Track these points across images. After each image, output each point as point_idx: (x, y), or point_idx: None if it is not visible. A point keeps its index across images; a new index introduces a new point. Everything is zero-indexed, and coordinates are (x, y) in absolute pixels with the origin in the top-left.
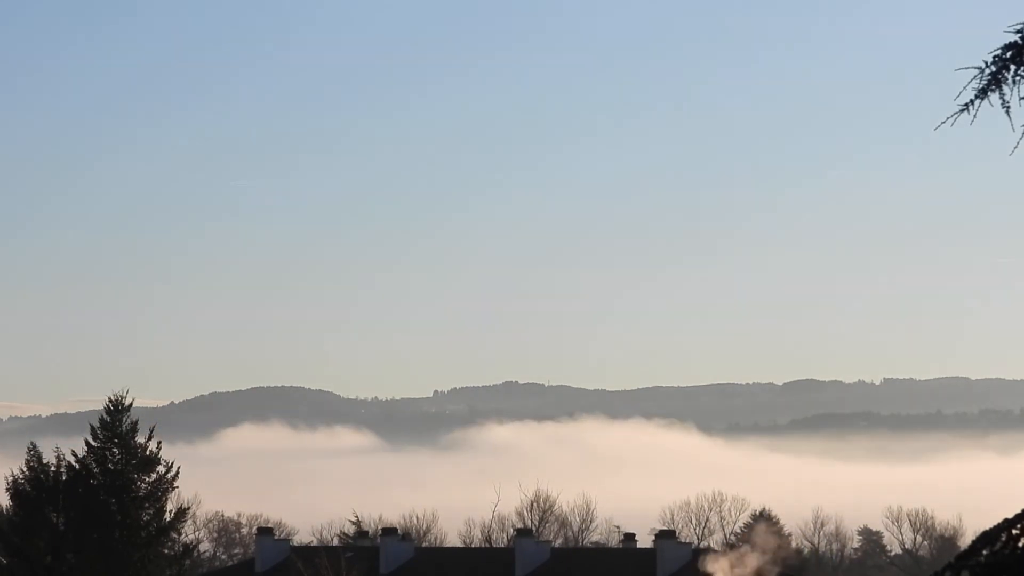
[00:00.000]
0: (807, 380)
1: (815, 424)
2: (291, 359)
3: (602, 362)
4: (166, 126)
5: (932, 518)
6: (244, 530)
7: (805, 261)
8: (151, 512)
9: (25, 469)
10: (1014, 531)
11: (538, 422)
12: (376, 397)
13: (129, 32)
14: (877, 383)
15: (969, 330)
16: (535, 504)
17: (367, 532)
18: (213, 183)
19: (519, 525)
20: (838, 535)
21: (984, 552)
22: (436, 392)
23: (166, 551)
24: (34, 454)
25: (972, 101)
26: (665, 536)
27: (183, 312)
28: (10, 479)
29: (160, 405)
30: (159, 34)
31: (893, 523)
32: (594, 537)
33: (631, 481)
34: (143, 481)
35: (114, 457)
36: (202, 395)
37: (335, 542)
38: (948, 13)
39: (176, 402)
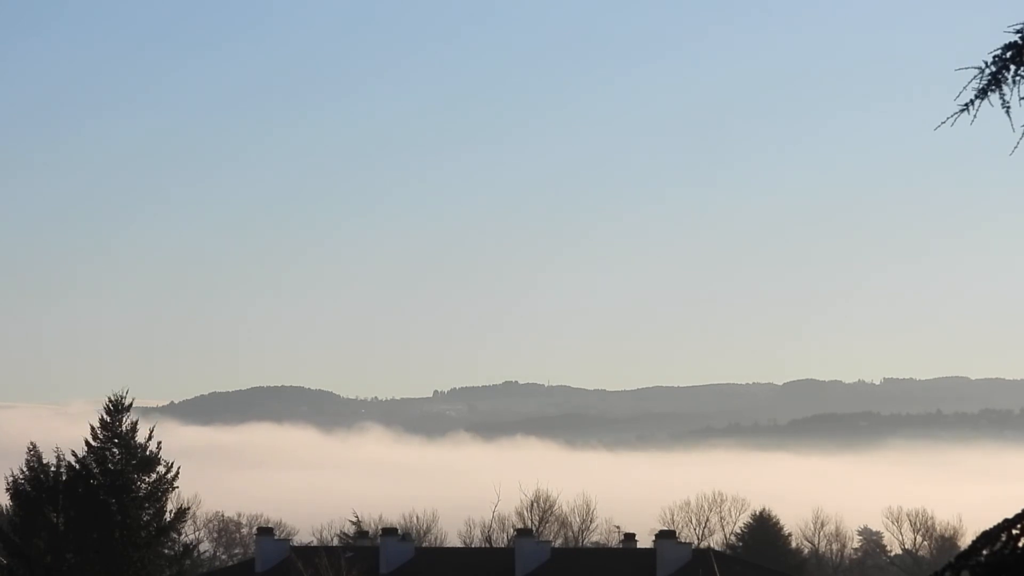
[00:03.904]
0: (807, 380)
1: (815, 424)
2: (291, 359)
3: (602, 362)
4: (167, 127)
5: (932, 518)
6: (244, 530)
7: (805, 261)
8: (151, 512)
9: (25, 469)
10: (1014, 531)
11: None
12: (376, 397)
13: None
14: (877, 383)
15: (969, 330)
16: (535, 504)
17: (367, 532)
18: (213, 183)
19: (519, 525)
20: (838, 535)
21: (984, 552)
22: (436, 392)
23: (166, 551)
24: (34, 454)
25: (972, 101)
26: (665, 536)
27: (183, 312)
28: (10, 479)
29: (160, 405)
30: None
31: (893, 523)
32: (594, 537)
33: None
34: (143, 481)
35: (114, 457)
36: (202, 395)
37: (335, 542)
38: (948, 13)
39: (176, 402)
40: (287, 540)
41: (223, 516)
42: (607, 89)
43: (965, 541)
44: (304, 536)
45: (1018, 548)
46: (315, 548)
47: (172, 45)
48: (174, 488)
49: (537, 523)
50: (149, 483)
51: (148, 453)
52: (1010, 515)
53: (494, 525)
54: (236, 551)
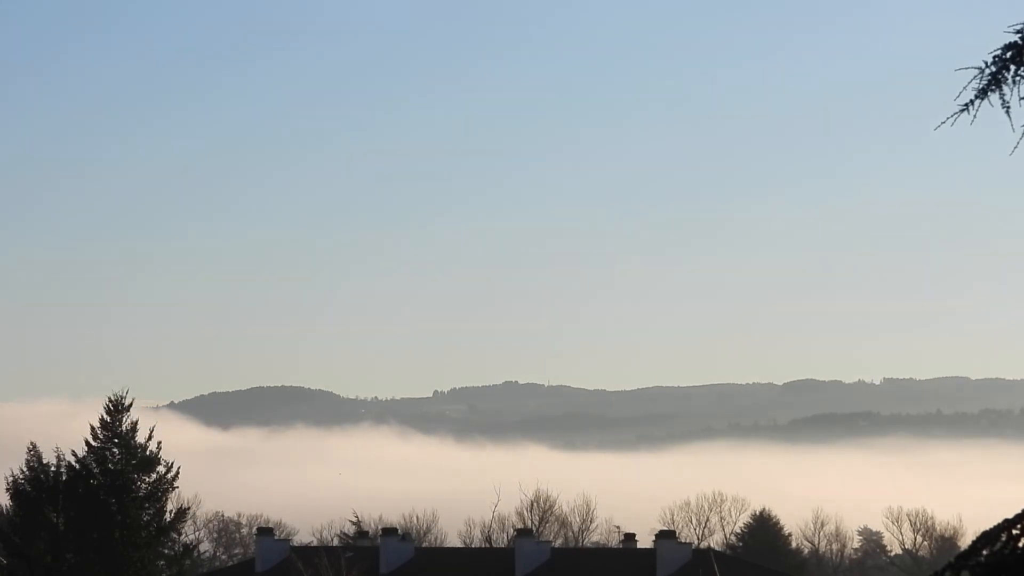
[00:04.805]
0: (807, 380)
1: (815, 424)
2: (291, 359)
3: (602, 362)
4: (167, 127)
5: (932, 518)
6: (244, 530)
7: (805, 261)
8: (151, 512)
9: (25, 469)
10: (1014, 531)
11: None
12: (376, 397)
13: (124, 34)
14: (877, 383)
15: (969, 330)
16: (535, 504)
17: (367, 532)
18: (214, 184)
19: (519, 525)
20: (838, 535)
21: (984, 552)
22: (436, 392)
23: (166, 551)
24: (34, 454)
25: (972, 101)
26: (665, 536)
27: (183, 312)
28: (10, 479)
29: (160, 405)
30: (154, 38)
31: (893, 523)
32: (594, 537)
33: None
34: (143, 481)
35: (114, 457)
36: (202, 395)
37: (335, 542)
38: (948, 13)
39: (176, 402)
40: (287, 540)
41: (223, 516)
42: (606, 96)
43: (965, 541)
44: (304, 536)
45: (1018, 548)
46: (315, 548)
47: (194, 56)
48: (174, 488)
49: (537, 523)
50: (149, 483)
51: (148, 453)
52: (1010, 515)
53: (494, 525)
54: (236, 551)
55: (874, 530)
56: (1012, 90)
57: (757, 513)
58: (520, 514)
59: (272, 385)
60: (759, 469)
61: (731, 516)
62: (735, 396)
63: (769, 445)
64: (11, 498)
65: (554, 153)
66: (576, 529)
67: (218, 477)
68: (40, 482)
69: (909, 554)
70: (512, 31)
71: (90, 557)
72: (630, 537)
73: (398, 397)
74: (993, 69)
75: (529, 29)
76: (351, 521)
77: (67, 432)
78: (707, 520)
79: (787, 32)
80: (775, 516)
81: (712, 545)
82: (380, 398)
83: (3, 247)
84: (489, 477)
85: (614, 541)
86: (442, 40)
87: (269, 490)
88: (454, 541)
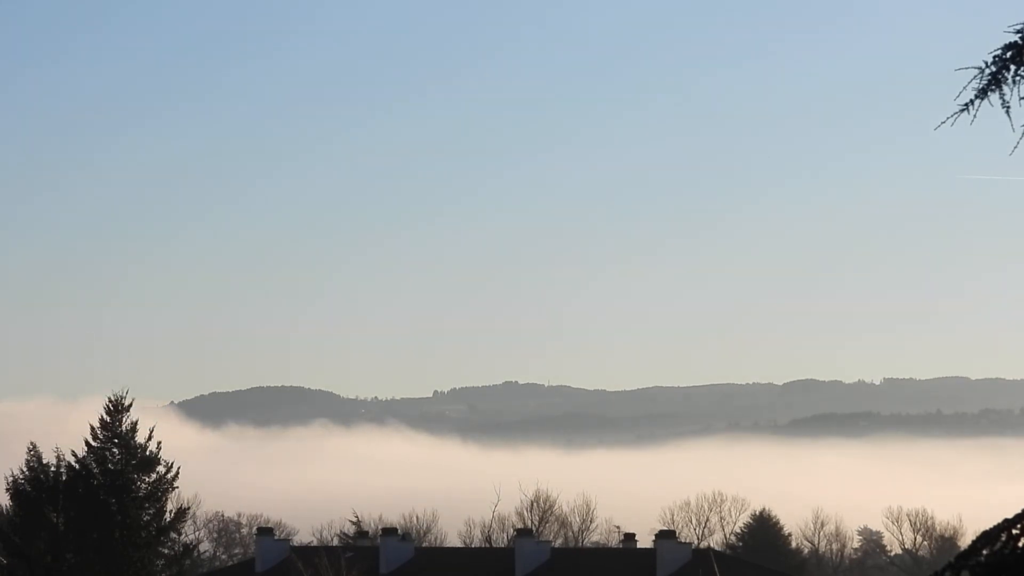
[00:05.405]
0: (807, 380)
1: (815, 424)
2: (291, 359)
3: (602, 362)
4: (166, 127)
5: (932, 518)
6: (244, 530)
7: (805, 261)
8: (151, 512)
9: (25, 469)
10: (1014, 531)
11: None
12: (376, 397)
13: (123, 33)
14: (877, 383)
15: (969, 330)
16: (535, 504)
17: (367, 532)
18: (213, 183)
19: (519, 525)
20: (838, 535)
21: (984, 552)
22: (436, 392)
23: (166, 551)
24: (34, 454)
25: (972, 101)
26: (665, 536)
27: (183, 312)
28: (10, 479)
29: (160, 405)
30: (150, 37)
31: (893, 523)
32: (594, 537)
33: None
34: (143, 481)
35: (114, 457)
36: (202, 395)
37: (335, 542)
38: (948, 13)
39: (176, 402)
40: (287, 540)
41: (223, 516)
42: (607, 95)
43: (965, 541)
44: (304, 536)
45: (1018, 548)
46: (315, 548)
47: (192, 56)
48: (174, 488)
49: (537, 523)
50: (149, 483)
51: (148, 453)
52: (1010, 515)
53: (494, 525)
54: (236, 551)
55: (874, 530)
56: (1012, 90)
57: (757, 513)
58: (520, 514)
59: (272, 385)
60: (759, 469)
61: (731, 516)
62: (735, 396)
63: (769, 445)
64: (11, 498)
65: (552, 152)
66: (576, 529)
67: (218, 477)
68: (40, 482)
69: (909, 554)
70: (509, 30)
71: (90, 557)
72: (630, 537)
73: (398, 397)
74: (993, 69)
75: (527, 28)
76: (351, 521)
77: (68, 432)
78: (707, 520)
79: (787, 32)
80: (775, 516)
81: (712, 545)
82: (380, 398)
83: (2, 246)
84: (489, 477)
85: (614, 541)
86: (439, 39)
87: (269, 490)
88: (454, 541)
